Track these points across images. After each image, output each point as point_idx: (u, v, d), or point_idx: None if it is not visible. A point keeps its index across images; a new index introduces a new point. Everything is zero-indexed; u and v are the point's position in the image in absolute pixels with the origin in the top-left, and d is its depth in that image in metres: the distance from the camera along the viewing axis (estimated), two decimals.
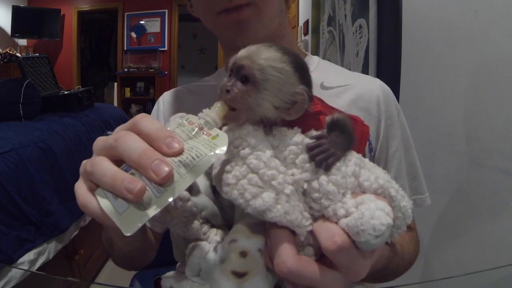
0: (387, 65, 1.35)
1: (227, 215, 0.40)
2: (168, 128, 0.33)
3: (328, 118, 0.36)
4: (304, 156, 0.34)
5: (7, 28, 4.64)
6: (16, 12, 4.66)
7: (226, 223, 0.40)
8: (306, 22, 3.10)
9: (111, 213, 0.30)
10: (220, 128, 0.36)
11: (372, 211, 0.30)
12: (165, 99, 0.72)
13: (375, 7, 1.43)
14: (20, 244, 1.42)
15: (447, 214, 1.00)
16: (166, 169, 0.29)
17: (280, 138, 0.35)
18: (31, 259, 1.46)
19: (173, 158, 0.31)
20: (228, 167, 0.34)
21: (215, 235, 0.38)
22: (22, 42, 5.01)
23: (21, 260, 1.41)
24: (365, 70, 1.55)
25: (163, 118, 0.70)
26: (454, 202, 0.97)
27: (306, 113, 0.36)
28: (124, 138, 0.32)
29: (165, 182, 0.30)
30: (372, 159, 0.62)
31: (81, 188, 0.33)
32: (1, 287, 1.22)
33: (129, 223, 0.29)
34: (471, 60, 0.90)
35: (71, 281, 1.38)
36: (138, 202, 0.30)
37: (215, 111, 0.35)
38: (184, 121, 0.34)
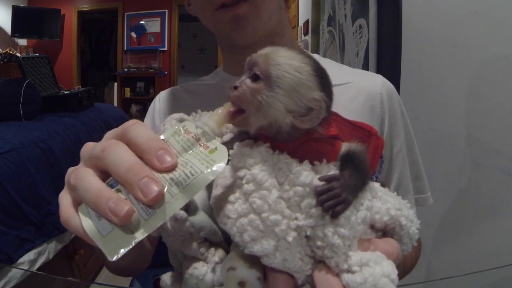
0: (387, 65, 1.35)
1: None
2: (162, 137, 0.30)
3: (343, 150, 0.33)
4: (310, 201, 0.30)
5: (7, 28, 4.64)
6: (16, 12, 4.66)
7: (225, 239, 0.38)
8: (306, 22, 3.10)
9: (94, 235, 0.27)
10: (233, 137, 0.33)
11: (376, 278, 0.28)
12: (161, 98, 0.71)
13: (375, 7, 1.43)
14: (20, 244, 1.42)
15: (447, 214, 1.00)
16: (156, 188, 0.26)
17: (287, 174, 0.31)
18: (31, 259, 1.46)
19: (165, 175, 0.28)
20: (231, 197, 0.31)
21: (213, 255, 0.37)
22: (22, 42, 5.00)
23: (21, 260, 1.41)
24: (365, 70, 1.55)
25: (158, 117, 0.69)
26: (454, 202, 0.97)
27: (320, 137, 0.33)
28: (111, 149, 0.29)
29: (154, 204, 0.26)
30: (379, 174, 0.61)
31: (64, 199, 0.30)
32: (1, 287, 1.22)
33: (113, 247, 0.26)
34: (471, 60, 0.90)
35: (71, 281, 1.38)
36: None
37: (214, 120, 0.31)
38: (181, 129, 0.31)
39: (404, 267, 0.58)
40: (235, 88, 0.32)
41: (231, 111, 0.32)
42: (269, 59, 0.32)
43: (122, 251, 0.26)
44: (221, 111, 0.32)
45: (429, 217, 1.04)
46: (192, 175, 0.28)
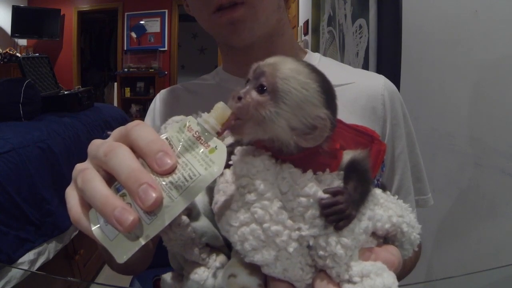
0: (387, 65, 1.35)
1: None
2: (166, 135, 0.30)
3: (346, 159, 0.32)
4: (314, 212, 0.30)
5: (7, 28, 4.64)
6: (16, 12, 4.65)
7: (227, 243, 0.38)
8: (306, 22, 3.10)
9: (102, 239, 0.28)
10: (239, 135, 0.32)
11: None
12: (161, 97, 0.70)
13: (375, 7, 1.43)
14: (20, 244, 1.42)
15: (447, 214, 1.00)
16: (154, 195, 0.27)
17: (290, 184, 0.30)
18: (31, 259, 1.46)
19: (165, 179, 0.28)
20: (233, 205, 0.31)
21: (214, 260, 0.37)
22: (22, 42, 5.00)
23: (21, 260, 1.41)
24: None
25: (159, 116, 0.68)
26: (454, 202, 0.97)
27: (323, 150, 0.32)
28: (114, 153, 0.29)
29: (152, 210, 0.27)
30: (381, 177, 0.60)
31: (73, 198, 0.31)
32: (1, 287, 1.22)
33: (120, 251, 0.27)
34: (471, 60, 0.90)
35: (71, 281, 1.38)
36: None
37: (214, 116, 0.31)
38: (185, 125, 0.31)
39: (404, 269, 0.58)
40: (239, 98, 0.31)
41: (231, 117, 0.31)
42: (277, 71, 0.31)
43: (128, 254, 0.27)
44: (220, 106, 0.31)
45: (429, 217, 1.04)
46: (191, 178, 0.28)
